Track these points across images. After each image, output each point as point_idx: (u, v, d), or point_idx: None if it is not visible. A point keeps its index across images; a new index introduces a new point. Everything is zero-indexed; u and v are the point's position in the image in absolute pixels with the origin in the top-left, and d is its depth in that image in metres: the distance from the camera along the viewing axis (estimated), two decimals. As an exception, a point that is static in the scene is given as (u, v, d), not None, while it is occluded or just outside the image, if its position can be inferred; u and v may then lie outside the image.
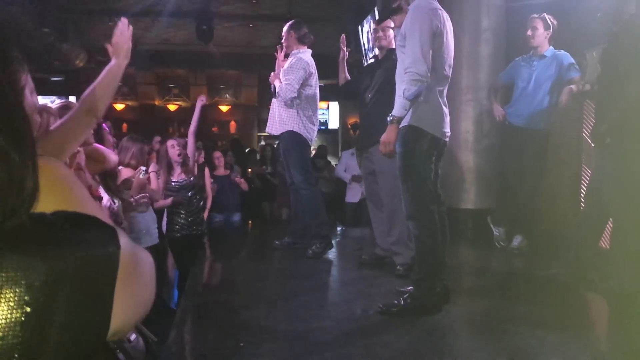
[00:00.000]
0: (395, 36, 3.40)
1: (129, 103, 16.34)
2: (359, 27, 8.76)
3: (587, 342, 2.76)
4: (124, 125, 14.84)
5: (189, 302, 3.43)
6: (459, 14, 5.72)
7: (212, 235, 5.17)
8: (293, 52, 4.74)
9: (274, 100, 4.77)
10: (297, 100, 4.61)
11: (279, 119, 4.69)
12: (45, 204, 1.22)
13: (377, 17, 3.61)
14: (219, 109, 16.90)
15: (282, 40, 4.81)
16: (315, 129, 4.82)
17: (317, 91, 4.78)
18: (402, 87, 3.00)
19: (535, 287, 3.70)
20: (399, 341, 2.65)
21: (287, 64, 4.72)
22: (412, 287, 3.10)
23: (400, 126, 3.03)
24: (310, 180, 4.70)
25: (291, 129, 4.64)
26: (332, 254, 4.70)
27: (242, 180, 6.59)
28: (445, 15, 3.12)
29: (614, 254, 3.43)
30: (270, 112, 4.84)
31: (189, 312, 3.22)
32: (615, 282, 3.35)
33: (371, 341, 2.69)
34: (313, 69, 4.70)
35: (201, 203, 5.04)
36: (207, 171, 5.50)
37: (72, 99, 9.69)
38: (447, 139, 3.20)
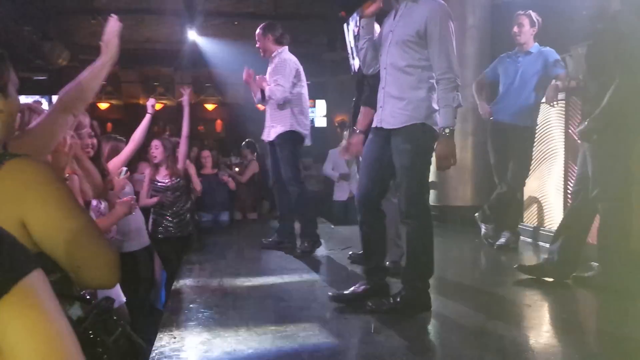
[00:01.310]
0: (362, 26, 3.09)
1: (113, 102, 16.17)
2: (345, 24, 8.75)
3: (577, 339, 2.77)
4: (109, 125, 14.67)
5: (176, 303, 3.40)
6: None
7: (200, 234, 5.13)
8: (274, 54, 4.70)
9: (266, 106, 4.73)
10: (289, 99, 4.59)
11: (272, 124, 4.66)
12: (24, 205, 1.19)
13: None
14: (205, 107, 16.79)
15: (257, 45, 4.73)
16: (309, 124, 4.81)
17: (306, 88, 4.77)
18: (423, 85, 2.92)
19: (523, 284, 3.70)
20: (390, 339, 2.64)
21: (271, 66, 4.69)
22: (403, 287, 3.05)
23: (410, 123, 2.90)
24: (299, 177, 4.69)
25: (286, 129, 4.61)
26: (320, 252, 4.69)
27: (230, 179, 6.55)
28: None
29: (601, 249, 3.45)
30: (266, 120, 4.80)
31: (176, 314, 3.18)
32: (603, 278, 3.37)
33: (362, 340, 2.68)
34: (298, 66, 4.68)
35: (187, 204, 4.99)
36: (192, 170, 5.41)
37: (55, 98, 9.58)
38: None
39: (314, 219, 4.72)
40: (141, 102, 16.47)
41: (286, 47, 4.75)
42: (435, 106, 2.94)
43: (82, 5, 10.30)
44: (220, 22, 11.35)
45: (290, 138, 4.64)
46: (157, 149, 4.84)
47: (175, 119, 16.19)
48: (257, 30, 4.75)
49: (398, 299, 2.99)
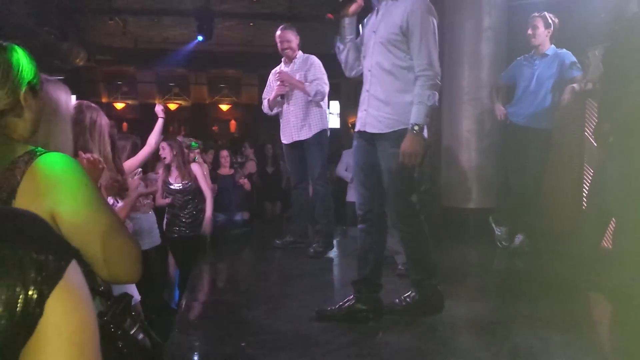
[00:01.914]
0: (344, 26, 3.02)
1: (129, 102, 16.34)
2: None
3: (590, 342, 2.75)
4: (124, 125, 14.82)
5: (190, 302, 3.42)
6: (460, 13, 5.72)
7: (214, 234, 5.15)
8: (299, 55, 4.71)
9: (288, 106, 4.70)
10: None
11: (310, 122, 4.63)
12: (55, 198, 1.22)
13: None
14: (219, 108, 16.90)
15: (285, 45, 4.66)
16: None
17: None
18: (410, 88, 2.83)
19: (537, 286, 3.68)
20: (401, 340, 2.65)
21: (294, 66, 4.69)
22: (413, 289, 3.00)
23: (398, 128, 2.83)
24: (327, 177, 4.75)
25: (323, 128, 4.66)
26: (333, 253, 4.69)
27: (246, 180, 6.57)
28: None
29: (617, 254, 3.42)
30: (286, 118, 4.75)
31: (190, 312, 3.21)
32: (618, 282, 3.33)
33: (373, 341, 2.68)
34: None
35: (200, 205, 5.00)
36: (201, 171, 5.32)
37: (73, 98, 9.67)
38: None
39: (332, 221, 4.73)
40: (157, 102, 16.62)
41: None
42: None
43: (99, 6, 10.39)
44: (235, 22, 11.40)
45: (324, 138, 4.67)
46: (163, 150, 4.86)
47: (191, 118, 16.39)
48: (286, 30, 4.71)
49: (409, 300, 2.96)
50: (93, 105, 2.45)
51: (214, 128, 16.67)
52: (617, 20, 3.40)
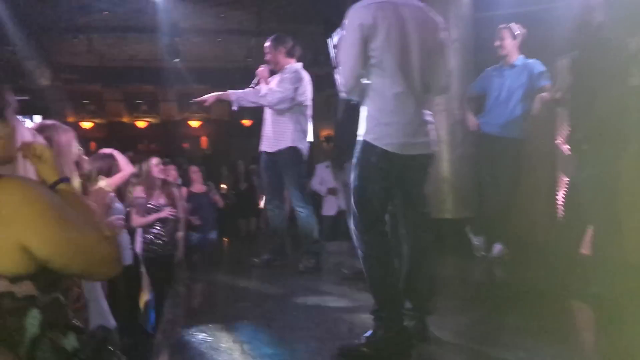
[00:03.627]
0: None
1: (97, 121, 16.05)
2: (329, 39, 8.77)
3: (578, 351, 2.76)
4: (92, 144, 14.54)
5: (168, 325, 3.33)
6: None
7: (189, 254, 5.06)
8: (285, 67, 4.61)
9: (267, 116, 4.63)
10: (289, 112, 4.51)
11: (276, 135, 4.56)
12: (19, 226, 1.16)
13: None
14: (189, 124, 16.72)
15: (267, 58, 4.63)
16: (308, 144, 4.71)
17: (310, 107, 4.69)
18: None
19: (519, 296, 3.69)
20: (390, 355, 2.60)
21: (280, 77, 4.60)
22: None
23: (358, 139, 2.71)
24: (306, 198, 4.64)
25: (291, 145, 4.52)
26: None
27: (218, 197, 6.49)
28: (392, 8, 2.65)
29: (595, 261, 3.45)
30: (265, 128, 4.69)
31: (167, 336, 3.12)
32: (598, 289, 3.36)
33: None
34: (309, 83, 4.62)
35: (176, 225, 4.91)
36: (177, 192, 5.26)
37: (38, 118, 9.47)
38: (419, 152, 2.69)
39: (318, 239, 4.67)
40: (125, 120, 16.38)
41: (296, 61, 4.68)
42: (375, 118, 2.65)
43: (64, 25, 10.21)
44: (202, 38, 11.32)
45: (295, 156, 4.56)
46: (157, 167, 4.78)
47: (161, 135, 16.18)
48: (267, 43, 4.65)
49: (369, 338, 2.57)
50: (55, 123, 2.38)
51: (184, 145, 16.48)
52: (584, 29, 3.46)
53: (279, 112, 4.54)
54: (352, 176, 2.70)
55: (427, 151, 2.77)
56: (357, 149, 2.70)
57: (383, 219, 2.71)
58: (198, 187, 6.37)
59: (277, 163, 4.60)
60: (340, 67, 2.69)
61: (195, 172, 6.44)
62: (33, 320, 1.21)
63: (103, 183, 3.70)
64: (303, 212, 4.54)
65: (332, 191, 7.51)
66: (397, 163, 2.63)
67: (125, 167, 3.75)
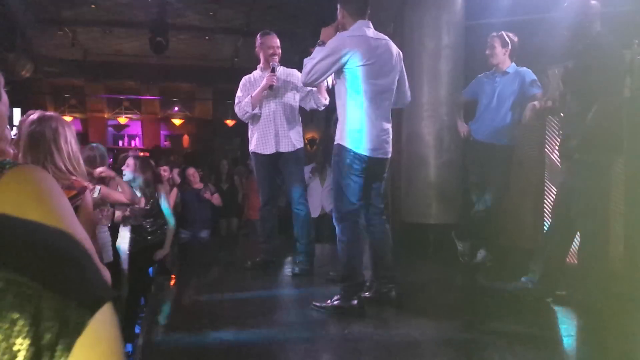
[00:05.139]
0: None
1: (77, 116, 15.80)
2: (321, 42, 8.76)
3: (556, 356, 2.76)
4: (72, 139, 14.30)
5: (152, 325, 3.26)
6: (419, 31, 5.80)
7: (179, 252, 4.99)
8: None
9: (275, 117, 4.45)
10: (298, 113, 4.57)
11: (293, 135, 4.50)
12: (26, 216, 1.11)
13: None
14: (172, 122, 16.56)
15: (279, 51, 4.51)
16: None
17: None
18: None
19: (504, 303, 3.70)
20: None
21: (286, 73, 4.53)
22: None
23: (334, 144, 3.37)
24: (306, 196, 4.61)
25: (302, 146, 4.58)
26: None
27: (216, 195, 6.39)
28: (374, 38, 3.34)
29: (581, 268, 3.47)
30: (266, 126, 4.49)
31: (153, 336, 3.05)
32: (583, 296, 3.38)
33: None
34: None
35: (163, 222, 4.83)
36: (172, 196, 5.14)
37: (17, 111, 9.29)
38: (383, 156, 3.39)
39: (314, 240, 4.62)
40: (106, 116, 16.15)
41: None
42: (351, 127, 3.28)
43: (48, 17, 10.04)
44: (190, 36, 11.23)
45: (304, 155, 4.61)
46: (127, 167, 4.69)
47: (143, 133, 16.00)
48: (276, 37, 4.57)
49: (333, 301, 3.26)
50: (54, 115, 2.31)
51: (166, 143, 16.31)
52: (580, 38, 3.49)
53: (292, 112, 4.49)
54: (332, 175, 3.41)
55: (389, 156, 3.47)
56: (334, 152, 3.35)
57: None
58: (196, 185, 6.32)
59: (283, 164, 4.51)
60: (313, 65, 3.28)
61: (192, 174, 6.38)
62: None
63: (96, 194, 3.64)
64: (303, 211, 4.50)
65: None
66: (368, 164, 3.30)
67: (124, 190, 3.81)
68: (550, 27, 4.39)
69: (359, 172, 3.27)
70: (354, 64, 3.21)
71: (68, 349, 0.47)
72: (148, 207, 4.64)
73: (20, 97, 11.21)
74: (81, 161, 2.18)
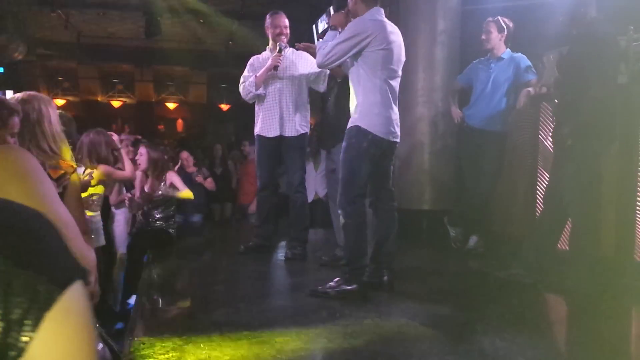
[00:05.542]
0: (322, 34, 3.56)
1: (70, 98, 15.70)
2: (314, 26, 8.70)
3: (555, 342, 2.79)
4: (65, 122, 14.21)
5: (144, 307, 3.26)
6: (415, 17, 5.75)
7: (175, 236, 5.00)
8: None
9: (283, 100, 4.41)
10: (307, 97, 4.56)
11: (300, 119, 4.46)
12: (7, 195, 1.10)
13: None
14: (166, 106, 16.48)
15: (287, 30, 4.49)
16: None
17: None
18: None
19: (496, 288, 3.72)
20: (369, 345, 2.59)
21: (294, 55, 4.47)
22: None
23: (348, 126, 3.35)
24: (305, 183, 4.60)
25: (307, 131, 4.56)
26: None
27: (209, 179, 6.36)
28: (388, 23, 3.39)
29: (572, 254, 3.49)
30: (272, 109, 4.44)
31: (144, 318, 3.06)
32: (574, 282, 3.40)
33: (339, 346, 2.61)
34: None
35: (170, 216, 4.85)
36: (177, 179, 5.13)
37: (10, 93, 9.20)
38: (396, 139, 3.42)
39: (308, 227, 4.63)
40: (99, 99, 16.05)
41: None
42: (369, 109, 3.30)
43: (41, -3, 9.94)
44: (185, 19, 11.13)
45: (307, 141, 4.63)
46: (141, 156, 4.68)
47: (136, 116, 15.91)
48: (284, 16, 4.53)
49: (333, 285, 3.26)
50: (37, 95, 2.28)
51: (159, 127, 16.25)
52: (575, 24, 3.47)
53: (299, 95, 4.44)
54: (343, 155, 3.32)
55: (398, 139, 3.49)
56: (350, 134, 3.30)
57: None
58: (191, 169, 6.31)
59: (285, 149, 4.48)
60: (333, 46, 3.32)
61: (186, 159, 6.36)
62: None
63: (97, 172, 3.64)
64: (302, 196, 4.52)
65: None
66: (383, 147, 3.34)
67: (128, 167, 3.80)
68: (546, 13, 4.37)
69: (372, 155, 3.30)
70: (375, 47, 3.25)
71: (36, 323, 0.49)
72: (159, 195, 4.66)
73: (13, 79, 11.12)
74: (60, 142, 2.17)
